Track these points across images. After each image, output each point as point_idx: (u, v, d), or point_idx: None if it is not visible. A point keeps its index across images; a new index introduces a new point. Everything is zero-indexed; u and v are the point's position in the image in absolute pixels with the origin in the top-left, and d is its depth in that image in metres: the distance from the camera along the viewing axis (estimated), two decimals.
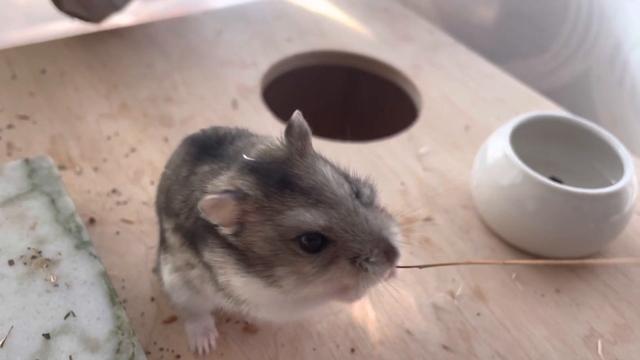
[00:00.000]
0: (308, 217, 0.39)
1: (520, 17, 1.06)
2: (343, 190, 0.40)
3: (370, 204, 0.42)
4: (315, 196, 0.39)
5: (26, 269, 0.49)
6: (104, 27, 0.97)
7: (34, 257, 0.50)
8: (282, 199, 0.39)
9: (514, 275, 0.63)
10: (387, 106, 0.99)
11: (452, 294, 0.60)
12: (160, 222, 0.52)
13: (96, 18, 0.92)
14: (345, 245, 0.39)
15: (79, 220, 0.54)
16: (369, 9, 1.12)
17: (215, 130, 0.51)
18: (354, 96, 1.05)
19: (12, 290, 0.47)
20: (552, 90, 1.01)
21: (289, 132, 0.43)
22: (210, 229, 0.42)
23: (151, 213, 0.62)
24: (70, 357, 0.43)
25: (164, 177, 0.51)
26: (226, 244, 0.42)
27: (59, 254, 0.51)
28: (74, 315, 0.46)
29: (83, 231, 0.53)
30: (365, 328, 0.56)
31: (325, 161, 0.44)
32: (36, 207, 0.55)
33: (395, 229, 0.42)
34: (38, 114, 0.79)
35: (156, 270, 0.55)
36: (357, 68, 0.99)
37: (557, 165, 0.72)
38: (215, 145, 0.48)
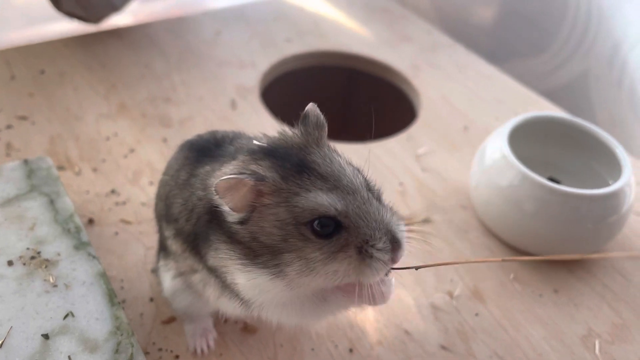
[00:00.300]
0: (326, 200, 0.39)
1: (519, 18, 1.06)
2: (358, 180, 0.41)
3: (379, 198, 0.43)
4: (333, 182, 0.40)
5: (25, 270, 0.49)
6: (103, 28, 0.97)
7: (33, 258, 0.50)
8: (300, 182, 0.40)
9: (512, 276, 0.63)
10: (386, 106, 0.99)
11: (450, 295, 0.60)
12: (160, 229, 0.52)
13: (95, 18, 0.92)
14: (358, 232, 0.40)
15: (78, 220, 0.54)
16: (368, 9, 1.12)
17: (213, 134, 0.51)
18: (353, 96, 1.05)
19: (11, 291, 0.48)
20: (550, 90, 1.01)
21: (304, 121, 0.43)
22: (213, 225, 0.42)
23: (150, 214, 0.62)
24: (69, 357, 0.44)
25: (162, 184, 0.51)
26: (230, 238, 0.41)
27: (58, 254, 0.51)
28: (72, 315, 0.46)
29: (82, 232, 0.53)
30: (364, 328, 0.56)
31: (339, 154, 0.44)
32: (35, 207, 0.55)
33: (402, 225, 0.42)
34: (37, 115, 0.79)
35: (155, 270, 0.56)
36: (356, 68, 0.99)
37: (556, 165, 0.72)
38: (214, 147, 0.48)
